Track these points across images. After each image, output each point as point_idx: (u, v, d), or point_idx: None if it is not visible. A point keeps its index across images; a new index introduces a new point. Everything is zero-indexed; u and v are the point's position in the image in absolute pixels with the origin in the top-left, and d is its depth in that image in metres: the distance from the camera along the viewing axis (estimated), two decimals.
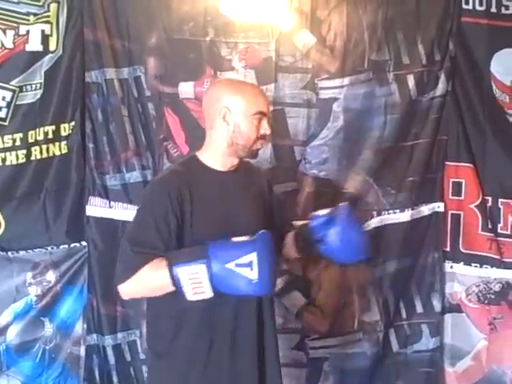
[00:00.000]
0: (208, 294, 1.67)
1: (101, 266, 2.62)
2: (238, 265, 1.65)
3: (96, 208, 2.64)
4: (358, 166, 2.71)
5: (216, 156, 1.87)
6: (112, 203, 2.66)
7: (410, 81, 2.70)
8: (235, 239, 1.70)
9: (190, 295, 1.68)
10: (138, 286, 1.75)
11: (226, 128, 1.84)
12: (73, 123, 2.61)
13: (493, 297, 2.75)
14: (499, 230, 2.75)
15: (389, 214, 2.72)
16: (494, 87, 2.73)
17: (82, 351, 2.66)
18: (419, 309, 2.74)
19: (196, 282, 1.65)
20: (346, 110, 2.68)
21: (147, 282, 1.74)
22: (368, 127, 2.70)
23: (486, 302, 2.76)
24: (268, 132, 1.88)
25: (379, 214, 2.72)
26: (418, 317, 2.75)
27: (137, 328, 2.70)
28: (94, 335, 2.67)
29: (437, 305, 2.75)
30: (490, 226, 2.75)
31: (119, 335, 2.71)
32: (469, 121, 2.74)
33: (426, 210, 2.75)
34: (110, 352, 2.70)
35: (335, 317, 2.71)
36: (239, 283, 1.65)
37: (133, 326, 2.70)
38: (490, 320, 2.75)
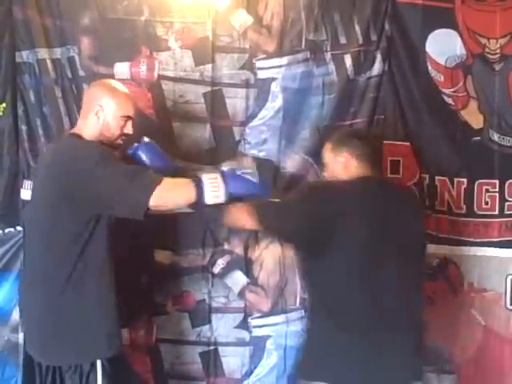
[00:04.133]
0: (222, 197, 2.04)
1: None
2: (243, 172, 2.18)
3: (31, 192, 2.52)
4: (297, 145, 2.73)
5: (91, 137, 2.18)
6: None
7: (347, 60, 2.72)
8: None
9: (210, 198, 2.03)
10: (164, 196, 2.01)
11: (96, 122, 2.18)
12: (3, 105, 2.55)
13: (431, 272, 2.80)
14: (436, 207, 2.81)
15: None
16: (429, 67, 2.79)
17: (21, 338, 2.58)
18: None
19: (214, 185, 2.03)
20: (284, 90, 2.69)
21: (173, 189, 2.05)
22: (306, 107, 2.72)
23: (425, 277, 2.84)
24: (130, 132, 2.22)
25: None
26: None
27: None
28: (30, 325, 2.50)
29: None
30: (427, 203, 2.80)
31: None
32: (405, 100, 2.78)
33: None
34: None
35: (277, 295, 2.74)
36: (246, 184, 2.12)
37: None
38: (429, 294, 2.79)
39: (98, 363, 2.08)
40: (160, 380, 2.72)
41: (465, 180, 2.82)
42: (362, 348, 2.04)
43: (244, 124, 2.70)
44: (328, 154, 2.27)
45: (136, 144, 2.24)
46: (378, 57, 2.74)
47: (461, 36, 2.78)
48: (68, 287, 2.07)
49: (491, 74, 2.80)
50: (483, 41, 2.79)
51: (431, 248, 2.81)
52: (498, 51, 2.79)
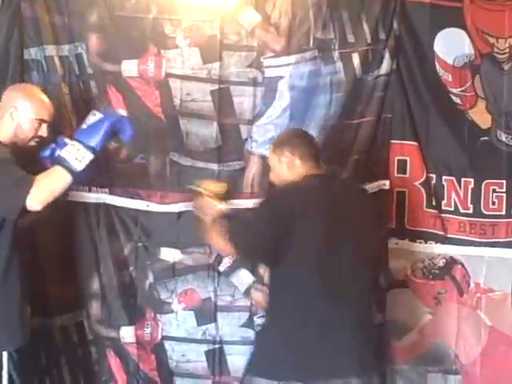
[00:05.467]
0: (88, 155, 2.10)
1: None
2: (86, 123, 2.17)
3: None
4: None
5: (5, 141, 2.25)
6: None
7: (355, 59, 2.72)
8: None
9: (77, 163, 2.09)
10: (42, 191, 2.07)
11: (10, 122, 2.24)
12: None
13: (437, 272, 2.81)
14: (443, 207, 2.81)
15: None
16: (437, 66, 2.78)
17: None
18: None
19: (75, 150, 2.10)
20: (291, 89, 2.69)
21: (47, 179, 2.09)
22: (314, 106, 2.71)
23: (431, 277, 2.81)
24: (45, 135, 2.27)
25: None
26: None
27: None
28: None
29: (382, 281, 2.78)
30: (434, 203, 2.80)
31: None
32: (413, 99, 2.78)
33: (372, 187, 2.77)
34: None
35: None
36: (96, 126, 2.13)
37: None
38: (435, 295, 2.81)
39: (4, 354, 2.15)
40: (165, 378, 2.72)
41: (472, 180, 2.81)
42: (319, 346, 2.06)
43: (251, 122, 2.69)
44: (272, 156, 2.31)
45: (52, 145, 2.22)
46: (386, 56, 2.73)
47: (469, 35, 2.77)
48: None
49: (500, 73, 2.79)
50: (492, 40, 2.78)
51: (438, 248, 2.84)
52: (507, 51, 2.77)
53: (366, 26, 2.72)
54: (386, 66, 2.74)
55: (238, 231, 2.17)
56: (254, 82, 2.68)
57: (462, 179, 2.80)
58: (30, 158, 2.26)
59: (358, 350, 2.09)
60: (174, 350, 2.71)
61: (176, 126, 2.66)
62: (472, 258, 2.82)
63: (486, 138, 2.81)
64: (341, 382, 2.07)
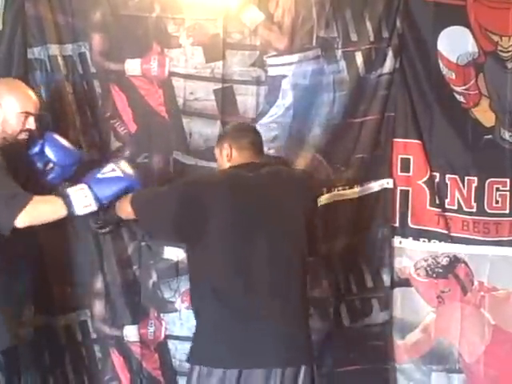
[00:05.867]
0: (94, 205, 2.12)
1: None
2: (103, 173, 2.19)
3: None
4: (308, 143, 2.71)
5: None
6: None
7: (358, 58, 2.71)
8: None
9: (80, 209, 2.10)
10: (33, 215, 2.07)
11: None
12: None
13: (441, 271, 2.81)
14: (446, 206, 2.81)
15: (338, 190, 2.73)
16: (441, 64, 2.78)
17: None
18: (369, 283, 2.78)
19: (83, 195, 2.11)
20: (294, 87, 2.69)
21: (41, 208, 2.10)
22: (317, 104, 2.71)
23: (434, 275, 2.81)
24: (32, 128, 2.24)
25: (329, 191, 2.73)
26: (367, 291, 2.78)
27: None
28: None
29: (386, 279, 2.78)
30: (437, 202, 2.80)
31: None
32: (416, 98, 2.78)
33: (375, 186, 2.78)
34: None
35: None
36: (111, 183, 2.16)
37: None
38: (438, 293, 2.81)
39: None
40: (169, 377, 2.71)
41: (475, 178, 2.81)
42: (239, 335, 2.05)
43: (254, 121, 2.68)
44: (216, 149, 2.33)
45: (40, 141, 2.24)
46: (390, 54, 2.73)
47: (473, 33, 2.77)
48: None
49: (503, 71, 2.79)
50: (495, 38, 2.78)
51: (441, 246, 2.84)
52: (511, 49, 2.77)
53: (369, 25, 2.72)
54: (389, 65, 2.73)
55: (143, 197, 2.20)
56: (257, 81, 2.68)
57: (466, 178, 2.80)
58: (20, 158, 2.24)
59: (278, 340, 2.05)
60: (177, 349, 2.70)
61: (179, 125, 2.66)
62: (475, 256, 2.82)
63: (489, 137, 2.81)
64: (262, 371, 2.04)
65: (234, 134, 2.29)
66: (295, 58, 2.68)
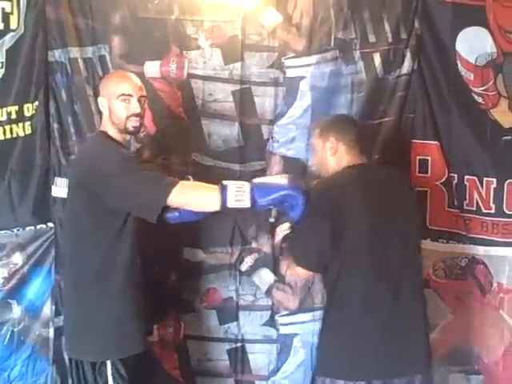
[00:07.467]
0: (247, 202, 2.03)
1: None
2: (271, 178, 2.19)
3: (62, 189, 2.59)
4: None
5: (113, 134, 2.20)
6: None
7: (377, 59, 2.71)
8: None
9: (232, 201, 2.02)
10: (187, 191, 2.05)
11: (105, 113, 2.21)
12: (36, 103, 2.58)
13: (459, 272, 2.80)
14: (465, 207, 2.79)
15: None
16: (459, 65, 2.76)
17: (51, 333, 2.64)
18: None
19: (239, 190, 2.03)
20: (312, 89, 2.69)
21: (196, 189, 2.08)
22: (335, 105, 2.71)
23: (453, 277, 2.80)
24: (138, 110, 2.17)
25: None
26: None
27: None
28: (63, 317, 2.58)
29: None
30: (456, 203, 2.79)
31: None
32: (435, 99, 2.76)
33: None
34: None
35: (305, 293, 2.73)
36: (273, 188, 2.07)
37: None
38: (457, 295, 2.80)
39: (108, 363, 2.08)
40: (187, 376, 2.74)
41: (494, 179, 2.79)
42: (385, 345, 2.04)
43: (272, 122, 2.70)
44: (316, 141, 2.26)
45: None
46: (408, 55, 2.72)
47: (491, 34, 2.75)
48: (93, 285, 2.09)
49: None
50: None
51: (460, 248, 2.82)
52: None
53: (387, 26, 2.71)
54: (407, 66, 2.73)
55: (293, 243, 2.16)
56: (276, 83, 2.69)
57: (484, 179, 2.79)
58: None
59: (418, 347, 2.08)
60: (195, 349, 2.73)
61: (198, 127, 2.67)
62: (494, 257, 2.80)
63: (508, 138, 2.79)
64: (406, 379, 2.05)
65: (340, 128, 2.22)
66: (313, 59, 2.68)
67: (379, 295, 2.04)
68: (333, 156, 2.19)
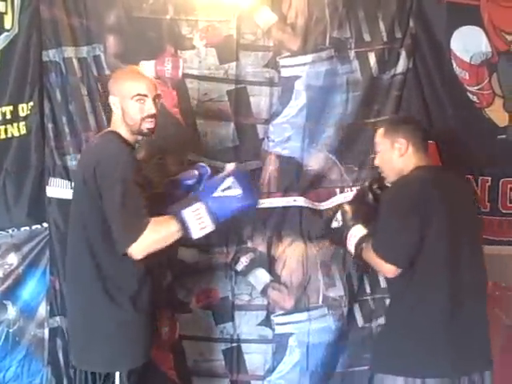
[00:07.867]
0: (210, 226, 1.99)
1: (63, 248, 2.55)
2: (222, 190, 2.02)
3: (57, 189, 2.60)
4: (321, 143, 2.72)
5: (126, 135, 2.13)
6: (73, 184, 2.58)
7: (372, 58, 2.72)
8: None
9: (197, 231, 1.98)
10: (149, 240, 1.97)
11: (117, 112, 2.13)
12: (31, 103, 2.57)
13: None
14: None
15: (352, 191, 2.72)
16: (454, 64, 2.77)
17: (46, 334, 2.63)
18: (383, 284, 2.75)
19: (199, 217, 1.98)
20: (308, 88, 2.70)
21: (158, 234, 1.98)
22: (330, 105, 2.72)
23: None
24: (152, 111, 2.10)
25: (342, 191, 2.74)
26: (381, 291, 2.77)
27: None
28: (58, 317, 2.63)
29: None
30: None
31: None
32: (430, 98, 2.77)
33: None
34: None
35: (300, 293, 2.74)
36: (230, 203, 2.00)
37: None
38: None
39: (117, 375, 2.05)
40: (183, 376, 2.73)
41: (489, 178, 2.81)
42: (453, 342, 2.05)
43: (268, 122, 2.70)
44: (382, 140, 2.21)
45: (195, 172, 2.20)
46: (403, 54, 2.73)
47: (486, 33, 2.76)
48: (102, 293, 2.03)
49: None
50: (509, 38, 2.78)
51: None
52: None
53: (382, 25, 2.72)
54: (402, 65, 2.73)
55: (381, 242, 2.09)
56: (271, 82, 2.69)
57: (480, 177, 2.80)
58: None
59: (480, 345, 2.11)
60: (191, 349, 2.72)
61: (193, 126, 2.67)
62: (490, 256, 2.68)
63: (503, 136, 2.81)
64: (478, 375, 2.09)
65: (409, 129, 2.19)
66: (308, 58, 2.69)
67: (453, 295, 2.05)
68: (401, 157, 2.16)
